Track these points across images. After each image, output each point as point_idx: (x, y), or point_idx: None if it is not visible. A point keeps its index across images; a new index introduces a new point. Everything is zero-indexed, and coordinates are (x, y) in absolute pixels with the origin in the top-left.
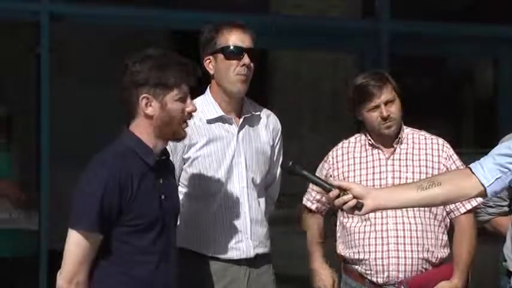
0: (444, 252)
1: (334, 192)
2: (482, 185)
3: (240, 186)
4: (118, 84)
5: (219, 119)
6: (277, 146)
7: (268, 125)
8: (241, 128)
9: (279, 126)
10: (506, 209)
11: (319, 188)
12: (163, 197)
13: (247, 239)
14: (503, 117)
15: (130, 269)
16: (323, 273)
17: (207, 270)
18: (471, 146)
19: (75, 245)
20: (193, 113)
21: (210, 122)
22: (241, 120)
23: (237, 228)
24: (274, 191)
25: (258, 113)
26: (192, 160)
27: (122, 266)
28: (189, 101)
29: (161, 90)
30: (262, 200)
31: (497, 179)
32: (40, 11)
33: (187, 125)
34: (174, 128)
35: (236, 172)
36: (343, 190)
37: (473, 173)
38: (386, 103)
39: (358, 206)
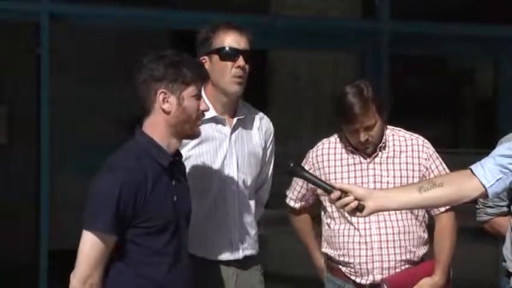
0: (424, 249)
1: (336, 193)
2: (483, 186)
3: (230, 188)
4: (118, 84)
5: (212, 120)
6: (269, 148)
7: (261, 127)
8: (234, 129)
9: (272, 128)
10: (505, 209)
11: (321, 190)
12: (175, 198)
13: (236, 240)
14: (503, 117)
15: (144, 270)
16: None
17: (196, 271)
18: (471, 146)
19: (90, 246)
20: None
21: (203, 122)
22: (235, 121)
23: (226, 230)
24: (264, 193)
25: (252, 115)
26: (183, 160)
27: (136, 267)
28: (202, 99)
29: (179, 86)
30: (252, 202)
31: (498, 179)
32: (40, 11)
33: (201, 123)
34: (189, 126)
35: (227, 173)
36: (345, 192)
37: (474, 174)
38: (366, 128)
39: (360, 208)
